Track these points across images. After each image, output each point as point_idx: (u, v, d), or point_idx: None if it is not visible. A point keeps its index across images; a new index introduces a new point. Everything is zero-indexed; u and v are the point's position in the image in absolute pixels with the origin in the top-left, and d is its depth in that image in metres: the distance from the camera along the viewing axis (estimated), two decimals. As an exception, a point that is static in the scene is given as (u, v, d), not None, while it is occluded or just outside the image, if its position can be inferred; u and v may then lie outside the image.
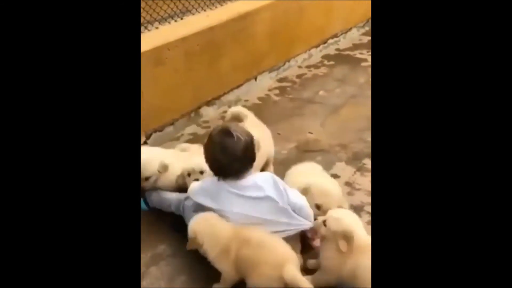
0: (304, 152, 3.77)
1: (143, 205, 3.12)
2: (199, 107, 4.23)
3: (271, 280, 2.28)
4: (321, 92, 4.73)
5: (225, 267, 2.43)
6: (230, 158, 2.43)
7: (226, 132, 2.46)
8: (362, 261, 2.28)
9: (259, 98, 4.62)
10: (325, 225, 2.42)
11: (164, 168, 3.02)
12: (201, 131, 4.06)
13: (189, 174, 2.97)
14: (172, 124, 4.00)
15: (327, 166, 3.44)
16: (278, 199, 2.50)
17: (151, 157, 3.05)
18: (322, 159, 3.64)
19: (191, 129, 4.09)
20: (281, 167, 3.37)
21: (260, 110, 4.34)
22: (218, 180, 2.55)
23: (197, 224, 2.47)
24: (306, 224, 2.57)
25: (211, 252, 2.44)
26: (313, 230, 2.58)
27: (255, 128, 3.09)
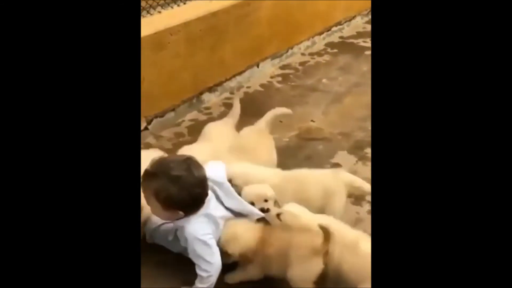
0: (306, 140, 3.75)
1: None
2: (201, 93, 4.19)
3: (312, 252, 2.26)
4: (324, 80, 4.69)
5: (246, 263, 2.41)
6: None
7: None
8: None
9: (261, 85, 4.59)
10: (279, 219, 2.41)
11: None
12: (202, 117, 4.03)
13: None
14: (173, 110, 3.97)
15: (329, 155, 3.43)
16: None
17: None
18: (323, 148, 3.62)
19: (192, 115, 4.05)
20: (282, 155, 3.33)
21: (262, 97, 4.32)
22: None
23: (236, 243, 2.38)
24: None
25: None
26: None
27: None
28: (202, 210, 2.39)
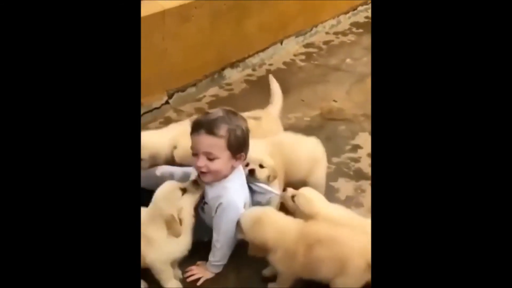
0: (327, 120, 3.70)
1: None
2: (223, 69, 4.15)
3: (362, 272, 2.15)
4: (348, 60, 4.61)
5: (288, 270, 2.29)
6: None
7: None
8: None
9: (284, 63, 4.53)
10: (293, 200, 2.38)
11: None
12: (224, 94, 4.00)
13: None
14: (194, 85, 3.94)
15: (350, 136, 3.39)
16: None
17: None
18: (345, 129, 3.58)
19: (214, 91, 4.03)
20: (302, 134, 3.29)
21: (285, 75, 4.26)
22: None
23: (258, 229, 2.25)
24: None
25: (276, 256, 2.26)
26: None
27: None
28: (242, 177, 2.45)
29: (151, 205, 2.31)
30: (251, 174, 2.52)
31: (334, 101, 3.94)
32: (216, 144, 2.28)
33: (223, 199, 2.34)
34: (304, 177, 2.74)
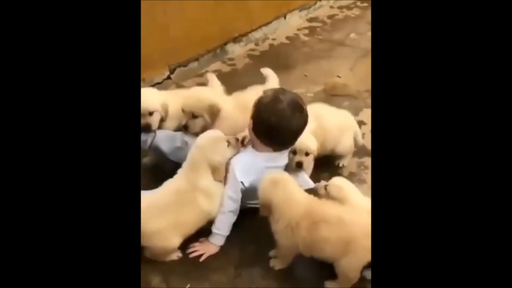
0: (331, 96, 3.67)
1: None
2: (225, 43, 4.11)
3: (367, 252, 2.12)
4: (352, 35, 4.54)
5: (289, 243, 2.31)
6: (294, 133, 2.45)
7: (296, 107, 2.41)
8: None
9: (288, 38, 4.47)
10: (325, 189, 2.42)
11: (165, 107, 2.77)
12: (226, 68, 3.96)
13: (195, 116, 2.73)
14: (197, 59, 3.90)
15: (354, 112, 3.34)
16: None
17: (150, 93, 2.81)
18: (349, 104, 3.54)
19: (216, 65, 3.99)
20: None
21: (288, 50, 4.21)
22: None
23: (270, 188, 2.31)
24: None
25: (278, 224, 2.30)
26: None
27: None
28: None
29: (193, 152, 2.44)
30: (298, 166, 2.62)
31: (338, 76, 3.90)
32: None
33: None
34: (334, 146, 2.90)
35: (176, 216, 2.38)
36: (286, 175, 2.39)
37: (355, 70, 3.99)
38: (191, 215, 2.42)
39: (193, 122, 2.72)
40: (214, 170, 2.43)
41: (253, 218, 2.51)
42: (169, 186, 2.46)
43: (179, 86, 3.69)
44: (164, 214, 2.37)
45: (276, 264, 2.45)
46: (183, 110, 2.76)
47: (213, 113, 2.74)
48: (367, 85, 3.75)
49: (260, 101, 2.44)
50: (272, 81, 3.14)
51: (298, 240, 2.28)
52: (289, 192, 2.31)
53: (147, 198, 2.35)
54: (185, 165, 2.48)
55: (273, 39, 4.40)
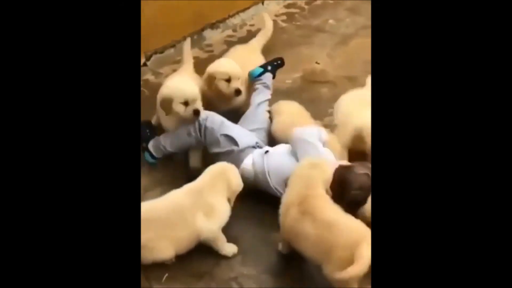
0: (310, 82, 3.65)
1: (148, 158, 2.95)
2: (203, 30, 4.05)
3: (347, 263, 2.07)
4: (330, 21, 4.49)
5: (282, 224, 2.34)
6: None
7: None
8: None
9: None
10: None
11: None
12: (204, 55, 3.90)
13: (186, 103, 2.76)
14: (173, 46, 3.83)
15: (333, 99, 3.32)
16: None
17: (187, 81, 2.89)
18: (328, 91, 3.53)
19: (193, 52, 3.88)
20: (284, 97, 3.26)
21: (266, 36, 4.15)
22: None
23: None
24: None
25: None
26: None
27: None
28: None
29: (216, 169, 2.48)
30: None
31: (317, 63, 3.87)
32: None
33: None
34: None
35: (170, 232, 2.34)
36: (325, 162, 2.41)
37: (333, 56, 3.96)
38: (185, 232, 2.37)
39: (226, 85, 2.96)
40: (232, 194, 2.44)
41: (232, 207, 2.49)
42: (170, 199, 2.44)
43: (155, 73, 3.63)
44: (159, 228, 2.33)
45: (280, 246, 2.44)
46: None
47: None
48: (346, 71, 3.74)
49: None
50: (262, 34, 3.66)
51: (286, 225, 2.28)
52: (296, 174, 2.33)
53: (146, 207, 2.33)
54: (200, 179, 2.47)
55: (251, 25, 4.33)
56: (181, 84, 2.84)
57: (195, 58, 3.79)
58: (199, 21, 4.00)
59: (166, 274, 2.35)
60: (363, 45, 4.06)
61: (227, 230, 2.51)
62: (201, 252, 2.44)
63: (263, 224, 2.61)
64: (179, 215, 2.36)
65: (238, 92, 2.98)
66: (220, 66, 3.04)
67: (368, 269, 2.02)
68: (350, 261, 2.04)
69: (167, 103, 2.75)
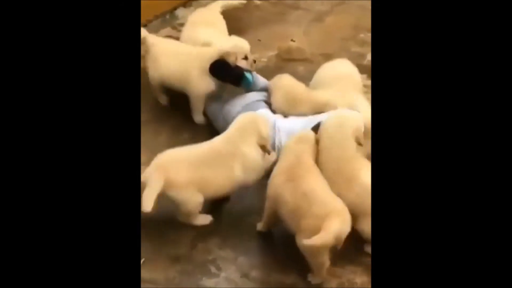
0: (286, 60, 3.62)
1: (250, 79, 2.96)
2: (175, 9, 3.97)
3: (315, 233, 2.09)
4: (306, -3, 4.44)
5: (268, 193, 2.35)
6: None
7: None
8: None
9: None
10: None
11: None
12: (177, 34, 3.79)
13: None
14: (145, 25, 3.73)
15: (309, 77, 3.28)
16: None
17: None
18: (304, 69, 3.50)
19: (166, 31, 3.84)
20: (260, 75, 3.19)
21: (240, 13, 4.08)
22: None
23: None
24: None
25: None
26: None
27: None
28: None
29: (245, 119, 2.52)
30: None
31: (292, 40, 3.82)
32: None
33: None
34: None
35: (204, 174, 2.35)
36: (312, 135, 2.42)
37: (309, 34, 3.92)
38: (220, 177, 2.39)
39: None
40: (264, 142, 2.44)
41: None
42: (209, 144, 2.47)
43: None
44: (192, 169, 2.35)
45: (259, 225, 2.42)
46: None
47: None
48: (321, 48, 3.71)
49: None
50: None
51: (270, 193, 2.29)
52: (290, 149, 2.36)
53: (183, 151, 2.42)
54: (231, 128, 2.51)
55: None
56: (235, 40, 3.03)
57: (167, 37, 3.72)
58: (171, 0, 3.92)
59: (143, 259, 2.31)
60: (339, 22, 4.04)
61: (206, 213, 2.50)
62: (178, 235, 2.41)
63: (241, 206, 2.59)
64: (217, 160, 2.40)
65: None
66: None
67: (339, 244, 2.11)
68: (318, 232, 2.06)
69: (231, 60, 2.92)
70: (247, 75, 2.94)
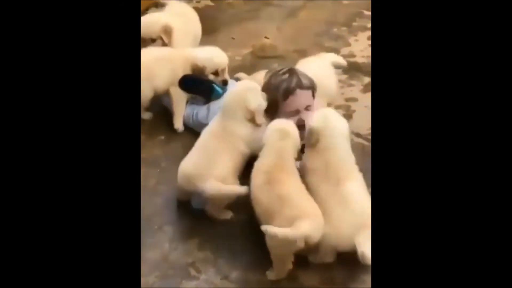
0: (260, 58, 3.61)
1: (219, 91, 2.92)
2: (147, 9, 3.88)
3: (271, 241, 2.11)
4: (278, -6, 4.43)
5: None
6: None
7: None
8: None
9: (213, 0, 4.30)
10: None
11: (168, 31, 3.00)
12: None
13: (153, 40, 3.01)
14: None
15: (284, 73, 3.28)
16: None
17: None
18: (279, 66, 3.47)
19: (138, 32, 3.78)
20: (234, 74, 3.21)
21: (213, 12, 4.06)
22: None
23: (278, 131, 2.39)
24: None
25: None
26: None
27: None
28: None
29: (229, 101, 2.56)
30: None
31: (266, 37, 3.82)
32: (309, 94, 2.63)
33: None
34: None
35: (212, 157, 2.41)
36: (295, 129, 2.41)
37: (282, 30, 3.92)
38: (228, 156, 2.44)
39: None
40: (253, 115, 2.49)
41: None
42: (207, 130, 2.55)
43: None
44: (200, 155, 2.44)
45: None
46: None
47: (168, 32, 3.02)
48: (295, 44, 3.71)
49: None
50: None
51: (252, 190, 2.29)
52: (273, 146, 2.33)
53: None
54: (219, 114, 2.57)
55: (197, 2, 4.22)
56: (214, 53, 2.98)
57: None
58: (143, 1, 3.85)
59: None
60: (311, 17, 4.05)
61: (185, 215, 2.50)
62: (157, 238, 2.39)
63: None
64: (221, 142, 2.46)
65: (225, 82, 2.97)
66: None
67: (309, 248, 2.15)
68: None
69: (199, 72, 2.91)
70: (217, 88, 2.91)
